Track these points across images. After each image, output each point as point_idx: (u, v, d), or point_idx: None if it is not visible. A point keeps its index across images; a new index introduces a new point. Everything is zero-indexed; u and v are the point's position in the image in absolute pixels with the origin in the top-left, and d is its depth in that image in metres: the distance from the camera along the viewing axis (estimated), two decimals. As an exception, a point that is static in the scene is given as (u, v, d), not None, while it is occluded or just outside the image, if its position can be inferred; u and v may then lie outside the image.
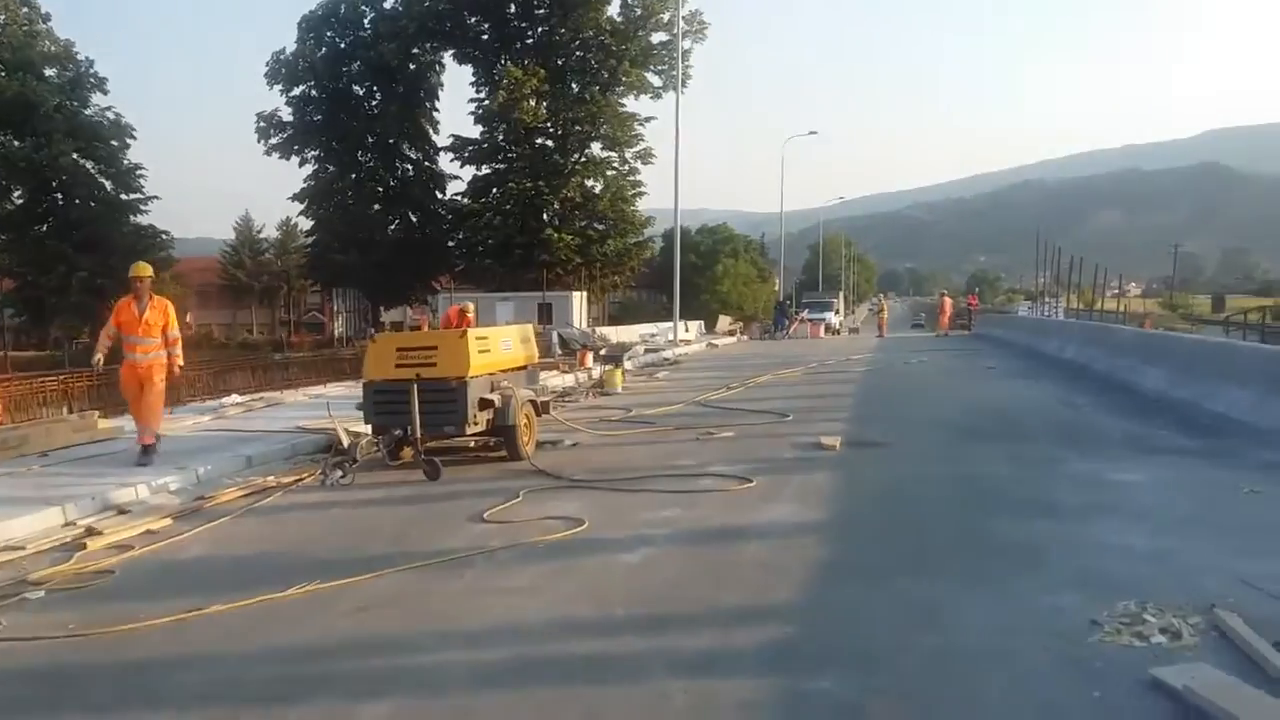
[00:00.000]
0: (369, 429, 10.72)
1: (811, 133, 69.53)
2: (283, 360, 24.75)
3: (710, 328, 50.29)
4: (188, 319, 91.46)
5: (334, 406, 12.78)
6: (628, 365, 24.58)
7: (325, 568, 6.73)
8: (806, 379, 21.12)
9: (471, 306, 22.05)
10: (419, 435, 10.02)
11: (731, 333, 48.15)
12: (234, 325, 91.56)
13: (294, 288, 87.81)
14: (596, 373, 20.95)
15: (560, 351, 26.96)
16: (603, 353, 22.39)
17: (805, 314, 51.51)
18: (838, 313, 66.56)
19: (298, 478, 9.91)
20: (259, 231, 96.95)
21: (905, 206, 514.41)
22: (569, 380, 20.69)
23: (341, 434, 9.63)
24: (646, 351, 29.01)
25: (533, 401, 11.48)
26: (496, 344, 11.22)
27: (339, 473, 9.04)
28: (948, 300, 47.67)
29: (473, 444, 11.40)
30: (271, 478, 9.94)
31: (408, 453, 11.16)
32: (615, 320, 62.70)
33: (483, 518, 8.11)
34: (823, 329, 48.21)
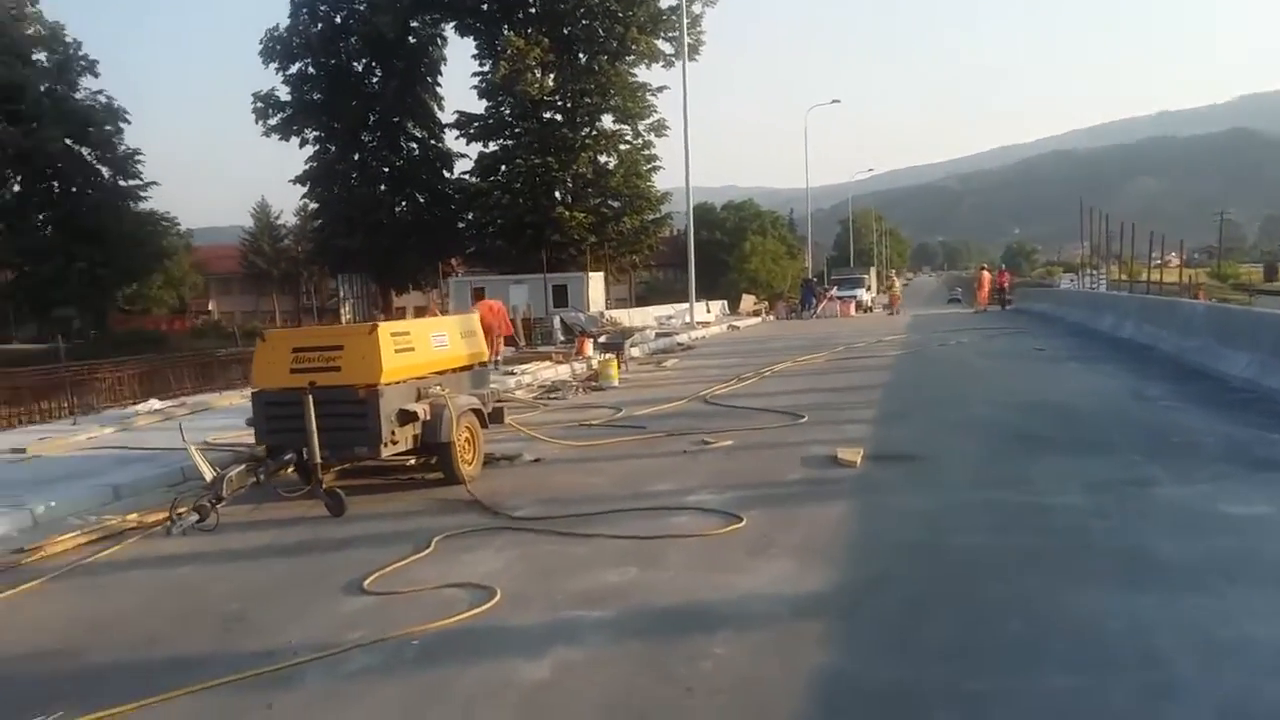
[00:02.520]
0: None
1: (834, 101, 66.49)
2: (232, 356, 22.29)
3: (734, 308, 47.83)
4: (210, 306, 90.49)
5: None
6: (634, 353, 22.31)
7: (86, 687, 4.60)
8: (830, 366, 18.75)
9: (499, 305, 19.72)
10: (317, 459, 7.80)
11: (756, 313, 45.67)
12: (256, 313, 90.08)
13: (312, 273, 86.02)
14: (597, 363, 18.67)
15: (563, 338, 24.76)
16: (602, 340, 20.11)
17: (835, 291, 48.86)
18: (869, 289, 63.82)
19: (169, 515, 7.69)
20: (277, 217, 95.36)
21: (937, 179, 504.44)
22: (563, 372, 18.43)
23: (201, 465, 7.48)
24: (658, 336, 26.68)
25: (476, 410, 9.23)
26: (424, 340, 8.96)
27: (194, 516, 6.85)
28: (986, 274, 44.91)
29: (412, 460, 9.19)
30: (134, 515, 7.79)
31: (326, 477, 9.00)
32: (642, 301, 60.31)
33: (363, 586, 5.88)
34: (853, 307, 45.62)
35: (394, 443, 8.25)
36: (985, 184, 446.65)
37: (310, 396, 7.78)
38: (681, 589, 5.60)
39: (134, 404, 14.04)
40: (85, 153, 48.22)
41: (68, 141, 46.38)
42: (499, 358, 18.92)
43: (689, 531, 6.82)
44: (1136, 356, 17.27)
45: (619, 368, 17.60)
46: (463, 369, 9.70)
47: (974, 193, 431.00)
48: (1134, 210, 35.35)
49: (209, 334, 49.02)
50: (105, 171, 49.30)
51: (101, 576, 6.48)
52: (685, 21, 39.97)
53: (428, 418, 8.47)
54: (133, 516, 7.75)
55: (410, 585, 5.87)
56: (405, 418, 8.31)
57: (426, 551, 6.57)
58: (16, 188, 48.27)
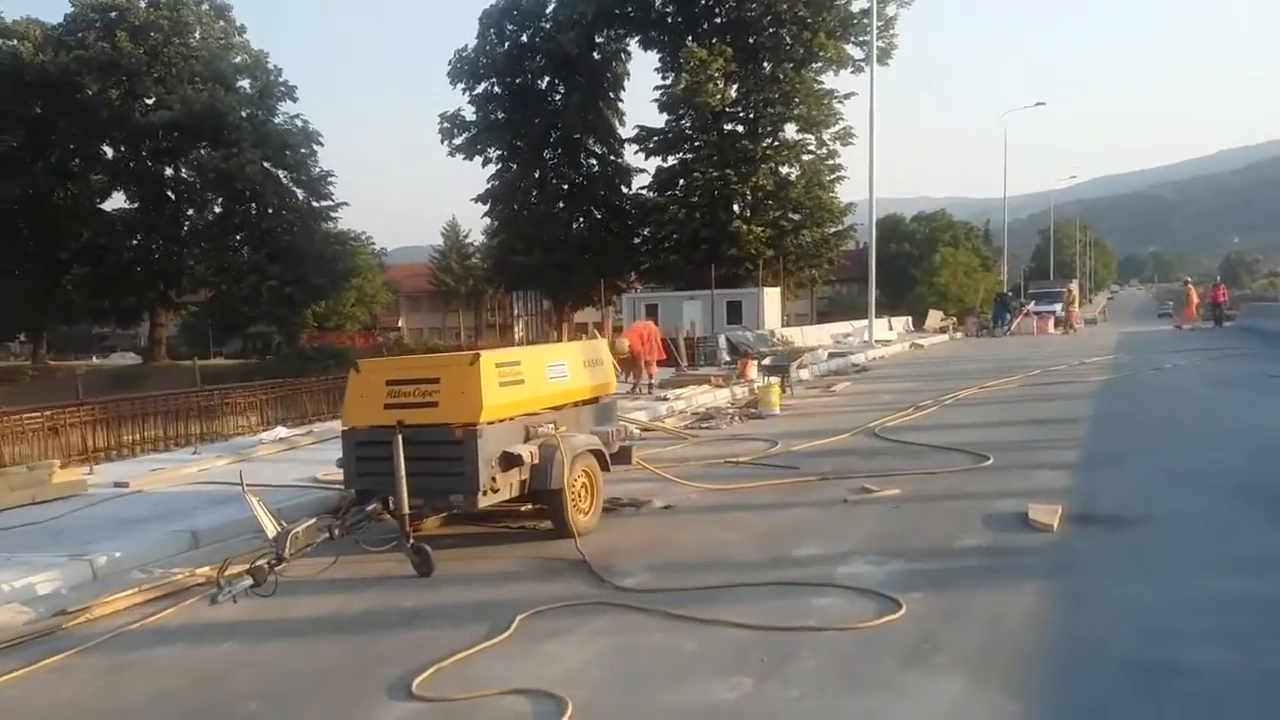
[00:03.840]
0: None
1: (1038, 104, 62.57)
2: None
3: (919, 324, 45.21)
4: (399, 323, 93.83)
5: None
6: (803, 375, 20.75)
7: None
8: (1023, 394, 16.68)
9: (651, 328, 18.63)
10: (405, 510, 6.79)
11: (943, 329, 42.94)
12: (443, 329, 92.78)
13: (496, 291, 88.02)
14: (758, 387, 17.26)
15: (728, 359, 23.42)
16: (766, 362, 18.66)
17: (1032, 306, 45.40)
18: (1072, 303, 59.29)
19: (217, 577, 6.65)
20: (466, 236, 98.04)
21: (1147, 186, 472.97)
22: (722, 397, 17.12)
23: (262, 518, 6.53)
24: (831, 356, 24.94)
25: (596, 451, 8.03)
26: (538, 371, 7.84)
27: (247, 580, 5.92)
28: (1193, 288, 41.21)
29: (526, 506, 8.15)
30: (206, 569, 6.97)
31: (430, 523, 8.05)
32: (824, 317, 58.21)
33: (410, 688, 4.75)
34: (1051, 323, 42.22)
35: (494, 490, 7.16)
36: (1203, 190, 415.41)
37: (399, 436, 6.79)
38: (807, 716, 4.21)
39: (265, 430, 13.62)
40: (282, 175, 50.45)
41: (266, 164, 48.59)
42: (653, 380, 17.81)
43: (830, 622, 5.38)
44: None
45: (782, 392, 16.14)
46: (585, 403, 8.56)
47: (1189, 201, 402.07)
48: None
49: (393, 349, 50.15)
50: (300, 193, 51.45)
51: (132, 652, 5.60)
52: (876, 24, 37.90)
53: (536, 461, 7.36)
54: (203, 570, 6.93)
55: (468, 688, 4.70)
56: (509, 461, 7.22)
57: (503, 635, 5.40)
58: (217, 209, 51.09)
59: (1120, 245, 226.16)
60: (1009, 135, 59.94)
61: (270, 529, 6.33)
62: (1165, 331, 36.47)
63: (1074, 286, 51.37)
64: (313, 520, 6.56)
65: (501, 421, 7.31)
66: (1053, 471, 9.38)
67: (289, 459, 11.16)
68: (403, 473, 6.76)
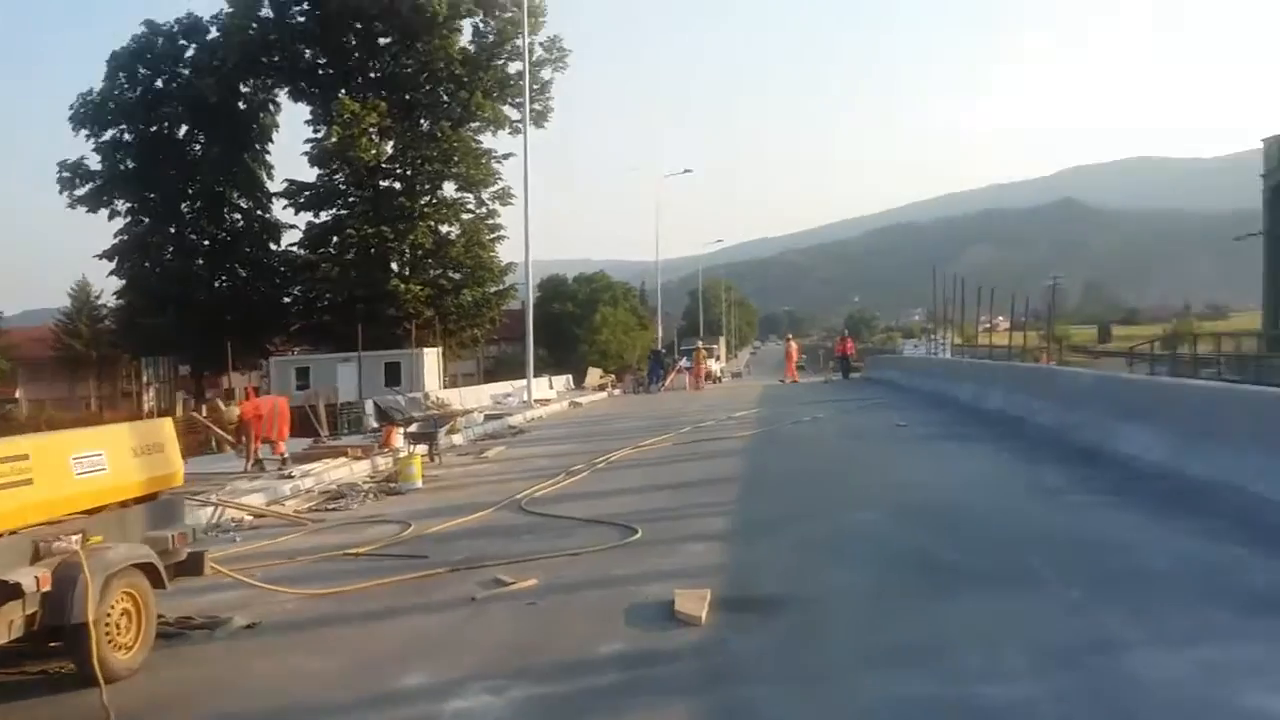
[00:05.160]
0: None
1: (687, 170, 66.30)
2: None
3: (580, 382, 45.32)
4: (17, 394, 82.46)
5: None
6: (456, 440, 19.47)
7: None
8: (675, 453, 16.29)
9: (271, 402, 16.81)
10: None
11: (602, 387, 43.23)
12: (71, 399, 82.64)
13: (134, 356, 79.74)
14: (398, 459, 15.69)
15: (376, 425, 21.61)
16: (412, 429, 17.18)
17: (684, 363, 46.89)
18: (718, 359, 62.63)
19: None
20: (97, 297, 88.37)
21: (781, 251, 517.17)
22: (360, 470, 15.39)
23: None
24: (487, 418, 23.80)
25: (147, 565, 6.24)
26: (56, 465, 5.94)
27: None
28: (793, 344, 45.42)
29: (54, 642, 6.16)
30: None
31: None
32: (491, 376, 57.26)
33: None
34: (703, 378, 43.72)
35: (-19, 633, 5.22)
36: (830, 255, 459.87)
37: None
38: None
39: None
40: None
41: None
42: (285, 456, 15.83)
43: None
44: (1013, 432, 15.43)
45: (425, 462, 14.72)
46: (136, 501, 6.72)
47: (820, 264, 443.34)
48: (969, 278, 36.11)
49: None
50: None
51: None
52: (531, 87, 37.78)
53: (48, 588, 5.47)
54: None
55: None
56: (3, 593, 5.31)
57: None
58: None
59: (761, 305, 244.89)
60: (663, 204, 62.61)
61: None
62: (802, 385, 38.52)
63: (701, 344, 54.56)
64: None
65: (-9, 538, 5.40)
66: (701, 544, 8.66)
67: None
68: None
